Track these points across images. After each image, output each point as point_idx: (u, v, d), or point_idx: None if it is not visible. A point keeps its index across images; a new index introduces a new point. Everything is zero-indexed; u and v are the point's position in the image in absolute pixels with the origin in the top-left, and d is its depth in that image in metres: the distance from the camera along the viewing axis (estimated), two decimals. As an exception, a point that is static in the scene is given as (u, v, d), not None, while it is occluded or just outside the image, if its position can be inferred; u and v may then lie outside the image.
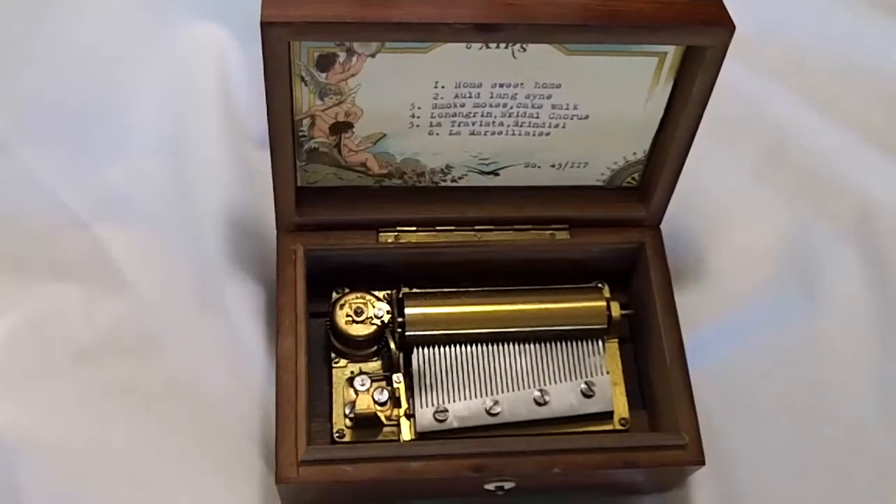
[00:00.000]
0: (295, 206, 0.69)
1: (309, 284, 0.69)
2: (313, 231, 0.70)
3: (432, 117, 0.66)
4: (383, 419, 0.68)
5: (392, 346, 0.69)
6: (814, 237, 0.81)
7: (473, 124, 0.67)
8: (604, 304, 0.71)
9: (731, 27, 0.59)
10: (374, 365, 0.70)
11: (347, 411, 0.68)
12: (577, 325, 0.71)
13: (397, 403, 0.68)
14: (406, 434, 0.68)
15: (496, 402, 0.69)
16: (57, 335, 0.72)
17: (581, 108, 0.66)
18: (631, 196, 0.72)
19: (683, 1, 0.60)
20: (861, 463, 0.73)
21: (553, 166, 0.70)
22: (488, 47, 0.61)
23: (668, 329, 0.69)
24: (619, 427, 0.70)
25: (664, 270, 0.71)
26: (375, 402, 0.68)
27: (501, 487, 0.66)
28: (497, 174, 0.71)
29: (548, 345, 0.71)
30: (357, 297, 0.70)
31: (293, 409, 0.64)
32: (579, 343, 0.71)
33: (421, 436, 0.68)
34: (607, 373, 0.71)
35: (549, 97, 0.65)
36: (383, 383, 0.69)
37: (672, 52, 0.63)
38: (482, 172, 0.71)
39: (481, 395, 0.69)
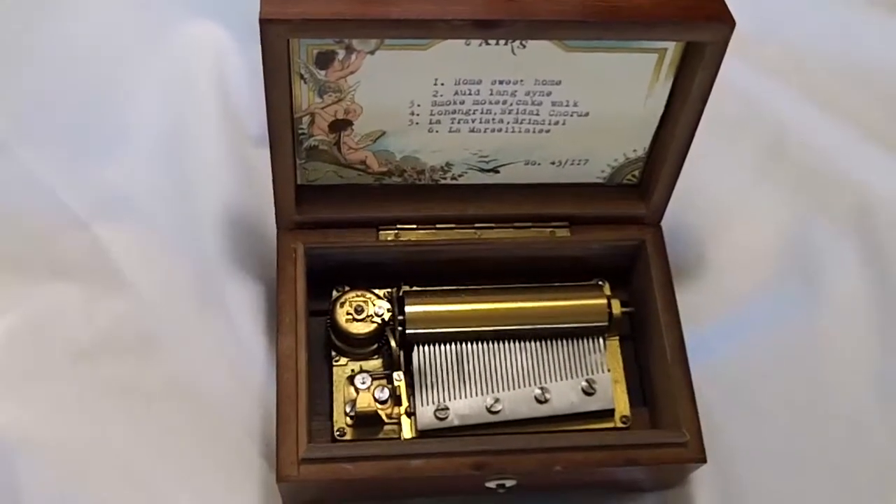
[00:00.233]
0: (295, 205, 0.69)
1: (309, 283, 0.69)
2: (313, 229, 0.70)
3: (432, 115, 0.66)
4: (384, 417, 0.68)
5: (392, 344, 0.69)
6: (814, 234, 0.81)
7: (473, 121, 0.67)
8: (604, 301, 0.71)
9: (731, 23, 0.59)
10: (375, 363, 0.70)
11: (348, 409, 0.68)
12: (578, 323, 0.71)
13: (398, 401, 0.68)
14: (407, 432, 0.68)
15: (497, 400, 0.68)
16: (57, 335, 0.72)
17: (581, 104, 0.66)
18: (631, 193, 0.72)
19: (683, -3, 0.60)
20: (861, 460, 0.72)
21: (553, 163, 0.70)
22: (488, 44, 0.61)
23: (668, 326, 0.69)
24: (620, 425, 0.70)
25: (665, 268, 0.71)
26: (376, 400, 0.68)
27: (503, 485, 0.66)
28: (497, 171, 0.71)
29: (548, 342, 0.70)
30: (357, 296, 0.70)
31: (294, 407, 0.64)
32: (580, 341, 0.71)
33: (422, 434, 0.68)
34: (608, 370, 0.71)
35: (548, 94, 0.65)
36: (384, 381, 0.69)
37: (672, 48, 0.63)
38: (482, 170, 0.71)
39: (482, 393, 0.69)
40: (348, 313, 0.70)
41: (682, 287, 0.75)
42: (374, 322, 0.69)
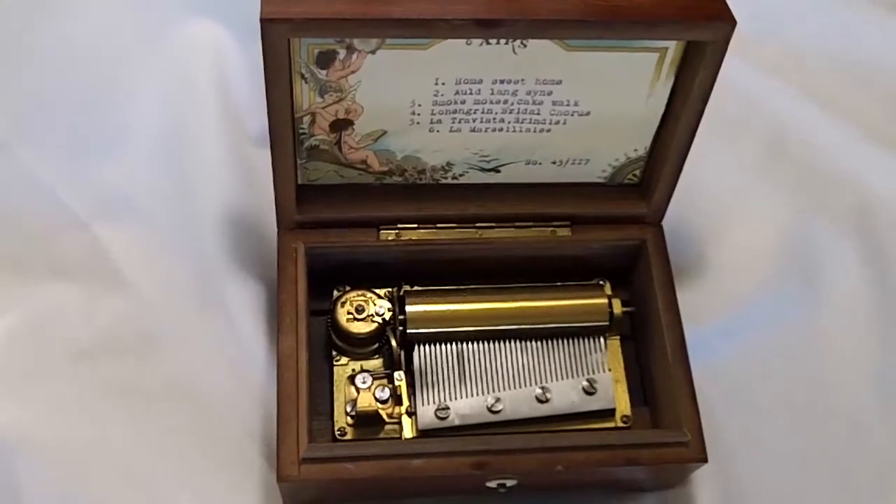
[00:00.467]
0: (295, 204, 0.69)
1: (310, 282, 0.69)
2: (314, 229, 0.70)
3: (433, 114, 0.66)
4: (385, 417, 0.68)
5: (393, 343, 0.69)
6: (814, 233, 0.81)
7: (474, 121, 0.66)
8: (605, 301, 0.71)
9: (732, 22, 0.59)
10: (376, 363, 0.70)
11: (349, 409, 0.68)
12: (579, 323, 0.71)
13: (399, 401, 0.68)
14: (408, 432, 0.68)
15: (498, 400, 0.68)
16: (57, 335, 0.72)
17: (582, 104, 0.66)
18: (632, 193, 0.72)
19: (683, -4, 0.60)
20: (862, 459, 0.72)
21: (554, 163, 0.70)
22: (488, 43, 0.61)
23: (669, 326, 0.69)
24: (620, 424, 0.70)
25: (666, 267, 0.71)
26: (377, 399, 0.68)
27: (503, 485, 0.66)
28: (498, 171, 0.71)
29: (549, 342, 0.70)
30: (358, 295, 0.70)
31: (294, 407, 0.64)
32: (581, 340, 0.71)
33: (422, 433, 0.67)
34: (609, 370, 0.71)
35: (549, 93, 0.65)
36: (385, 381, 0.69)
37: (673, 47, 0.63)
38: (483, 169, 0.70)
39: (483, 393, 0.69)
40: (349, 313, 0.70)
41: (683, 286, 0.75)
42: (374, 322, 0.69)
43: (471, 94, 0.64)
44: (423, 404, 0.68)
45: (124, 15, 0.86)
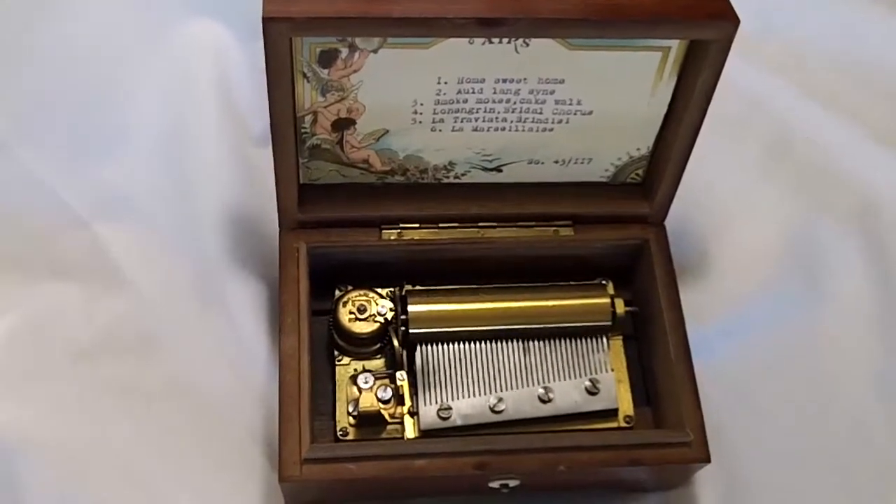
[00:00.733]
0: (297, 204, 0.68)
1: (311, 282, 0.69)
2: (316, 228, 0.70)
3: (435, 113, 0.65)
4: (387, 417, 0.67)
5: (395, 343, 0.69)
6: (817, 233, 0.80)
7: (476, 120, 0.66)
8: (608, 300, 0.71)
9: (735, 21, 0.59)
10: (378, 363, 0.70)
11: (351, 409, 0.68)
12: (581, 322, 0.70)
13: (401, 401, 0.68)
14: (410, 432, 0.68)
15: (500, 400, 0.68)
16: (57, 335, 0.72)
17: (585, 103, 0.66)
18: (635, 192, 0.72)
19: (686, -5, 0.60)
20: (863, 459, 0.72)
21: (556, 162, 0.70)
22: (491, 42, 0.61)
23: (672, 326, 0.69)
24: (623, 424, 0.70)
25: (668, 267, 0.71)
26: (379, 399, 0.68)
27: (506, 485, 0.66)
28: (500, 170, 0.71)
29: (552, 342, 0.70)
30: (360, 295, 0.70)
31: (296, 407, 0.64)
32: (583, 340, 0.71)
33: (425, 434, 0.67)
34: (612, 370, 0.70)
35: (552, 93, 0.65)
36: (387, 381, 0.69)
37: (675, 46, 0.62)
38: (485, 169, 0.70)
39: (485, 393, 0.69)
40: (351, 313, 0.69)
41: (686, 286, 0.75)
42: (376, 321, 0.69)
43: (473, 93, 0.64)
44: (425, 404, 0.68)
45: (124, 15, 0.86)
